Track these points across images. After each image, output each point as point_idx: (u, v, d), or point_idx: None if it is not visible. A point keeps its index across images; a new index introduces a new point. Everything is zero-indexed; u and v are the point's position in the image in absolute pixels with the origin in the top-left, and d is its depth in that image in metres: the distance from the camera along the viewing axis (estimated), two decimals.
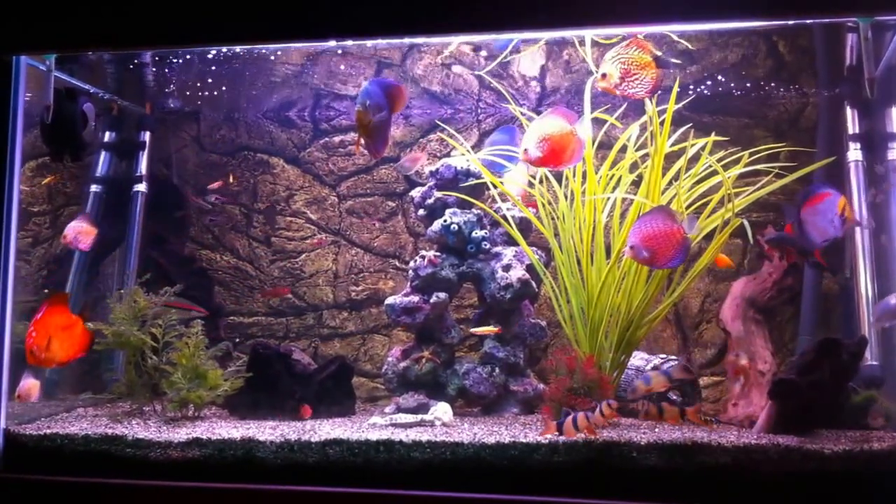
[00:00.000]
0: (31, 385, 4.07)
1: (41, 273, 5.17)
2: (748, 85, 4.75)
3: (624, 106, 4.52)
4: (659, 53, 3.58)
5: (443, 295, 4.37)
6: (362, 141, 3.46)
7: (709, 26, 4.31)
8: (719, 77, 4.75)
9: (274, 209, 5.30)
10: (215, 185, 5.24)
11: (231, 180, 5.26)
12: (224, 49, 4.54)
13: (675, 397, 4.07)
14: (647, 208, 3.94)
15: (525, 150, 3.63)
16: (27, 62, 3.77)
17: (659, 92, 3.70)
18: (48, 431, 3.64)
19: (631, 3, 3.35)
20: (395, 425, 3.81)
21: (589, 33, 4.09)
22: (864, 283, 4.16)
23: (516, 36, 4.30)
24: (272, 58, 4.97)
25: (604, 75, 3.60)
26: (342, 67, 5.13)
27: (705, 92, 4.68)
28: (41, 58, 3.83)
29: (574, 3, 3.37)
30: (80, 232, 4.44)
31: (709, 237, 4.06)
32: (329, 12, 3.50)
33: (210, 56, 4.73)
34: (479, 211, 4.51)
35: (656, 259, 3.49)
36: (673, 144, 4.16)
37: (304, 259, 5.30)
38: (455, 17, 3.48)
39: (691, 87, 4.63)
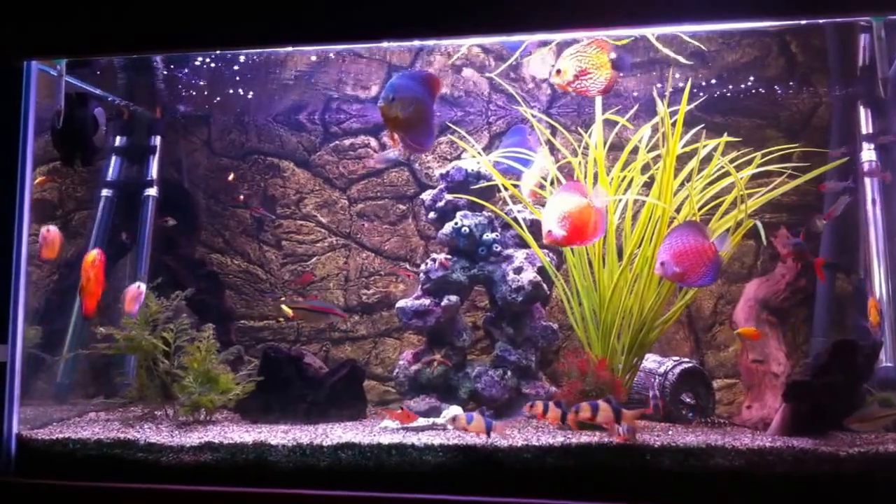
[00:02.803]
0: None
1: (52, 277, 5.17)
2: (760, 85, 4.72)
3: (636, 107, 4.51)
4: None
5: (454, 298, 4.36)
6: (396, 137, 3.45)
7: (721, 27, 4.29)
8: (731, 77, 4.72)
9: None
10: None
11: (231, 178, 5.27)
12: (234, 53, 4.57)
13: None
14: (660, 210, 3.92)
15: (549, 231, 3.50)
16: (38, 67, 3.78)
17: (610, 92, 3.68)
18: (60, 436, 3.65)
19: (644, 4, 3.34)
20: (406, 429, 3.80)
21: (599, 35, 4.07)
22: (879, 283, 4.13)
23: (527, 37, 4.28)
24: (281, 60, 4.98)
25: (558, 71, 3.59)
26: (352, 70, 5.13)
27: (717, 92, 4.66)
28: (52, 63, 3.85)
29: (583, 4, 3.37)
30: None
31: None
32: (330, 14, 3.50)
33: (219, 59, 4.74)
34: (489, 213, 4.50)
35: (687, 276, 3.41)
36: (685, 145, 4.14)
37: (315, 262, 5.30)
38: (462, 19, 3.48)
39: (702, 87, 4.61)
